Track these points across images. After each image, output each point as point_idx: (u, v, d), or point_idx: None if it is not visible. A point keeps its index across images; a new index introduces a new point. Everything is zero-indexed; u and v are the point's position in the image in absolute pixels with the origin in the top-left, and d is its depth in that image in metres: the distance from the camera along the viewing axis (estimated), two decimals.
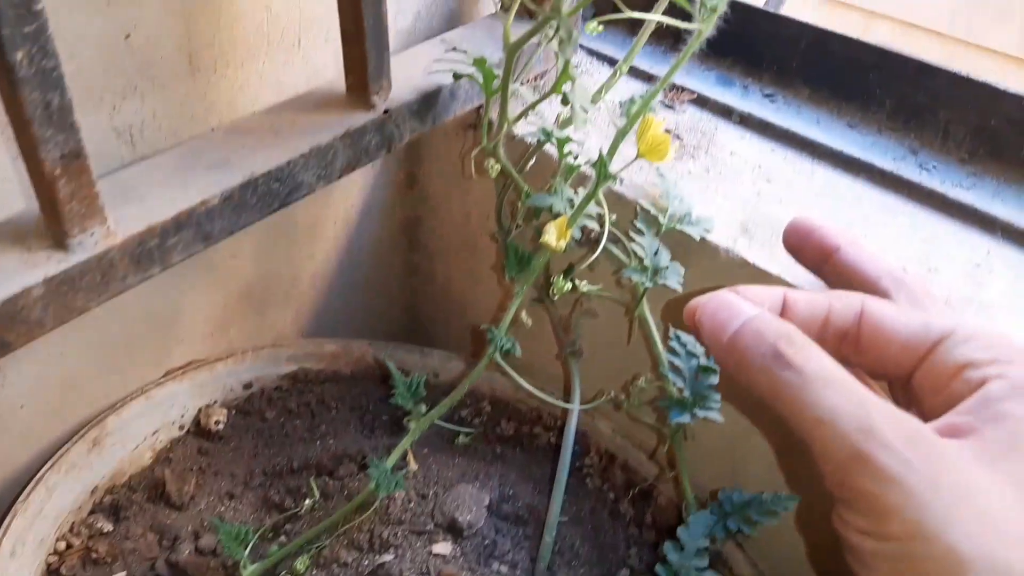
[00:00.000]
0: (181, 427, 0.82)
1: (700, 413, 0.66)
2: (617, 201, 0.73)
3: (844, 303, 0.39)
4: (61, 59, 0.44)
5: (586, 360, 0.78)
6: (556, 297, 0.70)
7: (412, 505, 0.75)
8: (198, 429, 0.82)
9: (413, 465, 0.76)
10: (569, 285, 0.68)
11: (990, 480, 0.32)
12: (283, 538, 0.73)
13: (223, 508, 0.76)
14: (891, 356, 0.38)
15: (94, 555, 0.70)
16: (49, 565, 0.70)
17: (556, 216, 0.63)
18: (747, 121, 0.83)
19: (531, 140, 0.72)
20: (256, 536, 0.68)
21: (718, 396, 0.66)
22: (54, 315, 0.49)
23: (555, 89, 0.61)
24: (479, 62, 0.63)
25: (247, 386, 0.86)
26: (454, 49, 0.66)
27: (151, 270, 0.54)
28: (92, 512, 0.74)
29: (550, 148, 0.70)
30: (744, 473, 0.81)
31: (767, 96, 0.85)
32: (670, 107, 0.84)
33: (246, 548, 0.67)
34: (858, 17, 2.59)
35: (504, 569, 0.72)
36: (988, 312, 0.64)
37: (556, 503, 0.74)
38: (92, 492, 0.75)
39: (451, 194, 0.94)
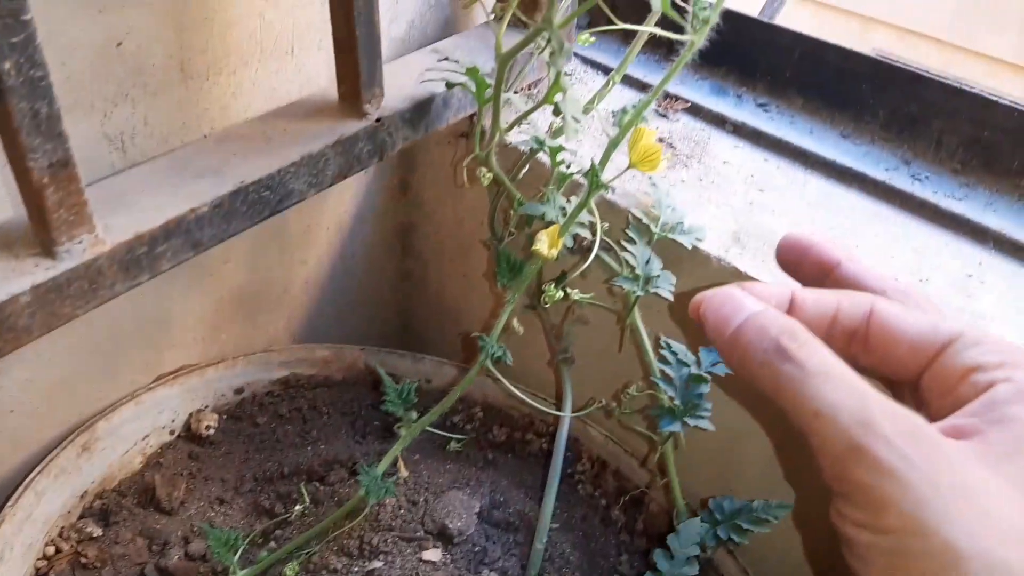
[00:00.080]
0: (172, 432, 0.82)
1: (691, 422, 0.66)
2: (609, 210, 0.73)
3: (853, 302, 0.39)
4: (53, 66, 0.44)
5: (578, 367, 0.78)
6: (548, 305, 0.70)
7: (402, 511, 0.75)
8: (189, 434, 0.82)
9: (404, 471, 0.76)
10: (561, 293, 0.68)
11: (992, 481, 0.32)
12: (273, 544, 0.73)
13: (213, 513, 0.76)
14: (899, 357, 0.38)
15: (83, 560, 0.70)
16: (38, 570, 0.70)
17: (549, 224, 0.63)
18: (740, 130, 0.83)
19: (524, 148, 0.72)
20: (246, 542, 0.68)
21: (708, 405, 0.67)
22: (41, 322, 0.49)
23: (547, 99, 0.61)
24: (472, 71, 0.63)
25: (238, 391, 0.86)
26: (446, 59, 0.66)
27: (140, 278, 0.54)
28: (82, 517, 0.74)
29: (543, 156, 0.70)
30: (736, 481, 0.81)
31: (760, 105, 0.85)
32: (664, 116, 0.84)
33: (236, 554, 0.67)
34: (856, 23, 2.60)
35: None
36: (980, 323, 0.64)
37: (547, 510, 0.74)
38: (82, 497, 0.75)
39: (444, 201, 0.94)
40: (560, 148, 0.65)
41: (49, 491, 0.71)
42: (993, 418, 0.34)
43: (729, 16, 0.83)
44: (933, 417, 0.36)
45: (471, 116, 0.76)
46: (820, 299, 0.39)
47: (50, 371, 0.72)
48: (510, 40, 0.59)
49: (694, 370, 0.67)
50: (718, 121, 0.84)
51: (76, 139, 0.47)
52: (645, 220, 0.70)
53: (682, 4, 0.58)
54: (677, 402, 0.67)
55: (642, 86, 0.88)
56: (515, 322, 0.67)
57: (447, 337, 1.06)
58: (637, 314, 0.69)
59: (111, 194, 0.55)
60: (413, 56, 0.76)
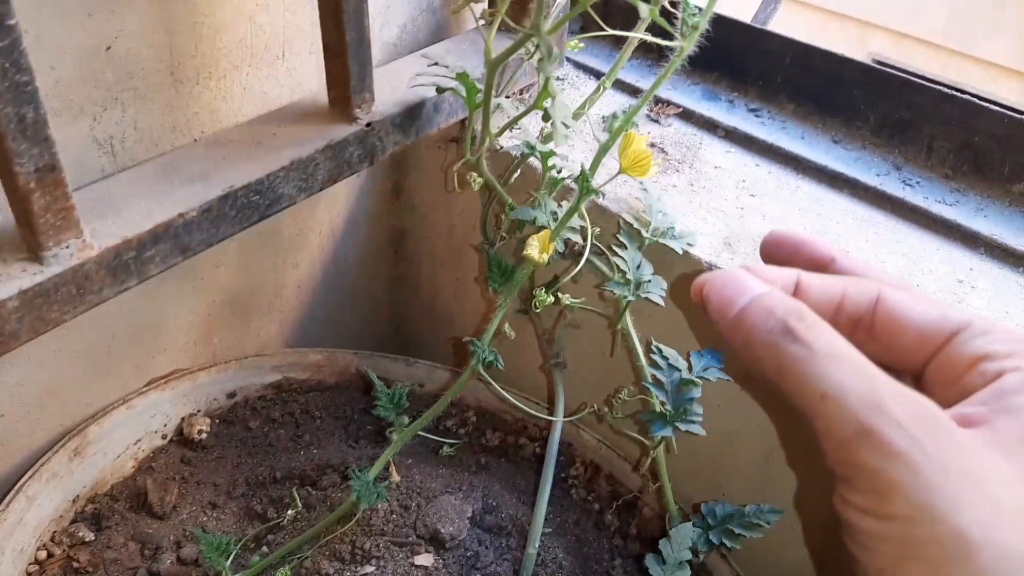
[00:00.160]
0: (164, 436, 0.82)
1: (682, 427, 0.66)
2: (601, 214, 0.73)
3: (859, 289, 0.38)
4: (41, 70, 0.44)
5: (570, 372, 0.78)
6: (539, 310, 0.70)
7: (395, 516, 0.75)
8: (181, 438, 0.82)
9: (396, 476, 0.76)
10: (552, 298, 0.68)
11: (1002, 469, 0.31)
12: (265, 549, 0.73)
13: (205, 518, 0.76)
14: (905, 345, 0.37)
15: (75, 564, 0.70)
16: (30, 575, 0.70)
17: (540, 229, 0.63)
18: (732, 135, 0.83)
19: (515, 153, 0.73)
20: (238, 546, 0.68)
21: (700, 409, 0.67)
22: (29, 327, 0.49)
23: (537, 105, 0.61)
24: (462, 76, 0.63)
25: (231, 395, 0.86)
26: (436, 64, 0.66)
27: (128, 282, 0.54)
28: (73, 521, 0.74)
29: (535, 161, 0.70)
30: (728, 485, 0.81)
31: (752, 111, 0.85)
32: (656, 121, 0.84)
33: (228, 558, 0.66)
34: (854, 29, 2.60)
35: None
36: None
37: (539, 514, 0.74)
38: (73, 501, 0.75)
39: (437, 205, 0.95)
40: (551, 153, 0.65)
41: (40, 496, 0.71)
42: (1002, 407, 0.33)
43: (721, 21, 0.84)
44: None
45: (462, 121, 0.76)
46: (826, 284, 0.39)
47: (41, 375, 0.72)
48: (500, 45, 0.60)
49: (685, 375, 0.67)
50: (710, 126, 0.84)
51: (65, 143, 0.47)
52: (636, 225, 0.70)
53: (672, 10, 0.58)
54: (668, 407, 0.67)
55: (634, 91, 0.88)
56: (507, 327, 0.67)
57: (440, 341, 1.06)
58: (628, 319, 0.69)
59: (99, 199, 0.55)
60: (404, 61, 0.76)
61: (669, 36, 0.58)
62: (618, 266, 0.67)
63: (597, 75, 0.90)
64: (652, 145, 0.81)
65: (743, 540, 0.69)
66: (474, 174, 0.68)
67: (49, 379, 0.73)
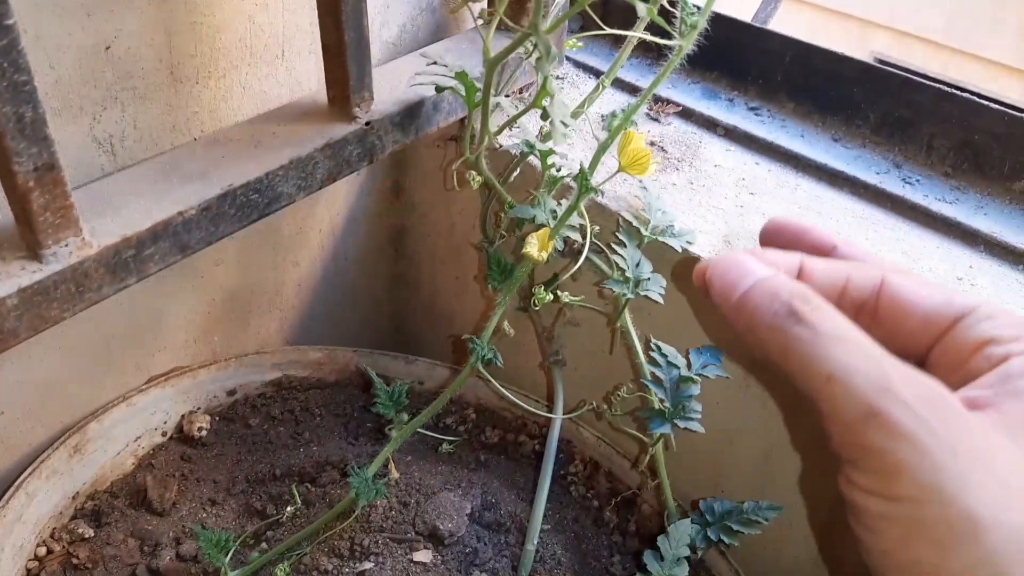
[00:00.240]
0: (164, 434, 0.82)
1: (680, 424, 0.66)
2: (600, 213, 0.73)
3: (863, 274, 0.38)
4: (41, 70, 0.44)
5: (569, 369, 0.78)
6: (538, 307, 0.70)
7: (393, 513, 0.75)
8: (181, 436, 0.83)
9: (395, 473, 0.76)
10: (551, 296, 0.68)
11: (1009, 451, 0.31)
12: (264, 545, 0.73)
13: (205, 515, 0.76)
14: (909, 330, 0.37)
15: (75, 561, 0.71)
16: (29, 571, 0.70)
17: (539, 227, 0.63)
18: (732, 134, 0.83)
19: (515, 152, 0.73)
20: (237, 543, 0.68)
21: (698, 407, 0.67)
22: (28, 325, 0.49)
23: (535, 103, 0.61)
24: (461, 75, 0.63)
25: (231, 393, 0.86)
26: (435, 63, 0.66)
27: (127, 280, 0.54)
28: (73, 518, 0.75)
29: (534, 160, 0.70)
30: (727, 482, 0.81)
31: (752, 109, 0.85)
32: (656, 119, 0.85)
33: (227, 555, 0.67)
34: (855, 27, 2.60)
35: None
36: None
37: (538, 511, 0.74)
38: (73, 498, 0.75)
39: (437, 204, 0.95)
40: (550, 152, 0.66)
41: (40, 492, 0.71)
42: (1009, 390, 0.33)
43: (720, 20, 0.84)
44: None
45: (462, 120, 0.76)
46: (830, 269, 0.38)
47: (41, 373, 0.72)
48: (499, 44, 0.60)
49: (684, 372, 0.67)
50: (709, 125, 0.84)
51: (65, 142, 0.47)
52: (635, 223, 0.70)
53: (671, 9, 0.58)
54: (667, 404, 0.67)
55: (633, 89, 0.88)
56: (506, 324, 0.67)
57: (440, 339, 1.06)
58: (627, 316, 0.69)
59: (98, 197, 0.55)
60: (403, 60, 0.76)
61: (668, 35, 0.58)
62: (617, 264, 0.67)
63: (597, 74, 0.90)
64: (651, 143, 0.81)
65: (741, 537, 0.69)
66: (473, 173, 0.68)
67: (49, 376, 0.73)
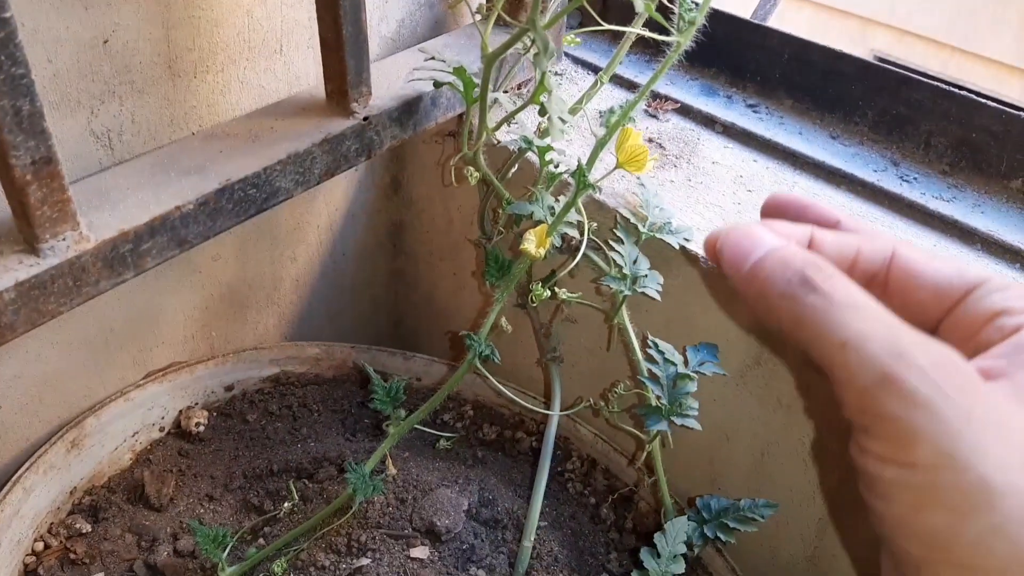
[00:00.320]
0: (161, 429, 0.82)
1: (677, 421, 0.67)
2: (598, 209, 0.73)
3: (874, 246, 0.38)
4: (38, 64, 0.44)
5: (566, 366, 0.78)
6: (536, 304, 0.70)
7: (391, 509, 0.75)
8: (178, 431, 0.83)
9: (392, 469, 0.76)
10: (548, 292, 0.68)
11: (1023, 419, 0.31)
12: (262, 541, 0.73)
13: (202, 510, 0.76)
14: (919, 301, 0.37)
15: (72, 556, 0.71)
16: (27, 565, 0.70)
17: (537, 223, 0.63)
18: (730, 131, 0.83)
19: (513, 148, 0.73)
20: (234, 539, 0.69)
21: (695, 404, 0.67)
22: (25, 319, 0.49)
23: (533, 99, 0.61)
24: (459, 71, 0.63)
25: (229, 389, 0.86)
26: (432, 58, 0.66)
27: (125, 275, 0.54)
28: (71, 513, 0.75)
29: (532, 155, 0.70)
30: (723, 480, 0.81)
31: (750, 106, 0.85)
32: (654, 116, 0.85)
33: (224, 550, 0.67)
34: (855, 25, 2.60)
35: (482, 573, 0.72)
36: None
37: (535, 508, 0.74)
38: (71, 493, 0.75)
39: (435, 199, 0.95)
40: (548, 148, 0.65)
41: (38, 487, 0.71)
42: (1022, 360, 0.33)
43: (719, 17, 0.84)
44: None
45: (460, 115, 0.76)
46: (840, 240, 0.38)
47: (39, 367, 0.72)
48: (498, 40, 0.60)
49: (681, 369, 0.67)
50: (708, 122, 0.84)
51: (62, 136, 0.47)
52: (633, 220, 0.70)
53: (669, 5, 0.58)
54: (664, 401, 0.67)
55: (632, 86, 0.88)
56: (504, 321, 0.67)
57: (437, 335, 1.06)
58: (625, 313, 0.69)
59: (96, 191, 0.55)
60: (402, 55, 0.76)
61: (666, 31, 0.58)
62: (615, 261, 0.68)
63: (595, 70, 0.90)
64: (650, 140, 0.81)
65: (738, 534, 0.69)
66: (471, 168, 0.68)
67: (47, 371, 0.73)
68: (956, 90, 0.75)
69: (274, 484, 0.78)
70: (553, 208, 0.66)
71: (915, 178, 0.77)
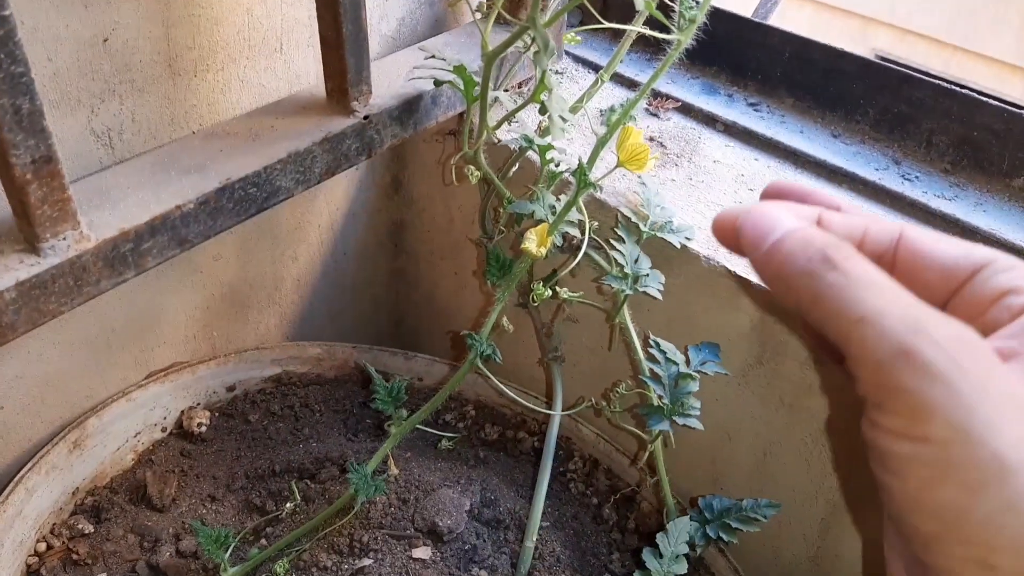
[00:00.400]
0: (163, 429, 0.82)
1: (679, 421, 0.66)
2: (599, 208, 0.73)
3: (881, 227, 0.38)
4: (38, 62, 0.44)
5: (568, 366, 0.78)
6: (537, 303, 0.70)
7: (393, 509, 0.75)
8: (180, 431, 0.83)
9: (394, 470, 0.76)
10: (549, 292, 0.68)
11: None
12: (264, 541, 0.73)
13: (204, 511, 0.76)
14: (927, 281, 0.37)
15: (74, 556, 0.71)
16: (29, 566, 0.70)
17: (538, 223, 0.63)
18: (731, 130, 0.83)
19: (514, 146, 0.73)
20: (237, 539, 0.68)
21: (697, 403, 0.67)
22: (26, 319, 0.49)
23: (533, 98, 0.61)
24: (459, 69, 0.63)
25: (230, 389, 0.86)
26: (433, 56, 0.66)
27: (126, 274, 0.54)
28: (73, 513, 0.75)
29: (533, 154, 0.70)
30: (726, 480, 0.81)
31: (751, 105, 0.85)
32: (655, 115, 0.84)
33: (226, 551, 0.67)
34: (856, 24, 2.59)
35: (484, 574, 0.72)
36: None
37: (537, 508, 0.74)
38: (73, 494, 0.75)
39: (436, 199, 0.95)
40: (549, 147, 0.65)
41: (40, 488, 0.71)
42: None
43: (720, 16, 0.84)
44: None
45: (460, 114, 0.76)
46: (848, 221, 0.38)
47: (40, 368, 0.72)
48: (498, 38, 0.60)
49: (683, 369, 0.67)
50: (709, 120, 0.84)
51: (63, 135, 0.47)
52: (634, 219, 0.70)
53: (670, 3, 0.58)
54: (666, 400, 0.67)
55: (632, 84, 0.88)
56: (505, 320, 0.67)
57: (439, 335, 1.06)
58: (626, 312, 0.69)
59: (96, 190, 0.55)
60: (402, 54, 0.76)
61: (667, 30, 0.58)
62: (616, 260, 0.67)
63: (595, 69, 0.90)
64: (651, 139, 0.81)
65: (740, 534, 0.69)
66: (472, 167, 0.68)
67: (48, 372, 0.73)
68: (957, 88, 0.75)
69: (276, 484, 0.78)
70: (554, 207, 0.66)
71: (916, 177, 0.77)
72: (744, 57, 0.86)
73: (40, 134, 0.45)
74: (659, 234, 0.69)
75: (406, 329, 1.10)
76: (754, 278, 0.68)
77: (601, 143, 0.63)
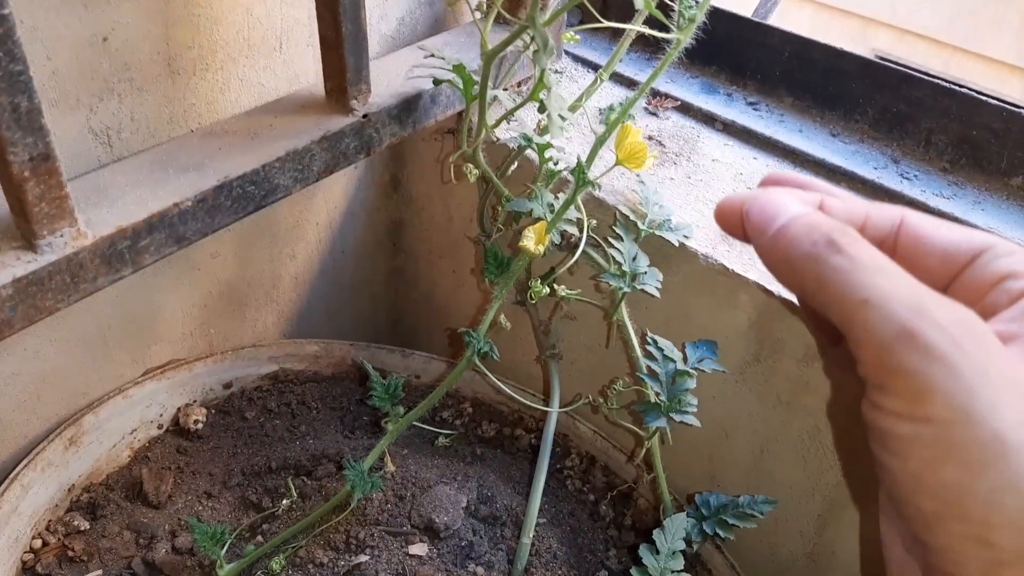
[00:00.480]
0: (160, 426, 0.82)
1: (676, 417, 0.67)
2: (598, 207, 0.73)
3: (882, 213, 0.39)
4: (37, 61, 0.44)
5: (566, 363, 0.78)
6: (535, 301, 0.70)
7: (389, 506, 0.75)
8: (177, 428, 0.83)
9: (390, 466, 0.76)
10: (547, 289, 0.68)
11: None
12: (260, 538, 0.73)
13: (201, 507, 0.76)
14: (927, 266, 0.37)
15: (70, 553, 0.71)
16: (24, 563, 0.70)
17: (536, 221, 0.63)
18: (730, 128, 0.83)
19: (513, 145, 0.73)
20: (233, 536, 0.69)
21: (694, 400, 0.67)
22: (23, 315, 0.49)
23: (532, 97, 0.61)
24: (458, 68, 0.63)
25: (227, 386, 0.86)
26: (432, 56, 0.66)
27: (123, 271, 0.54)
28: (69, 510, 0.75)
29: (532, 153, 0.70)
30: (723, 476, 0.81)
31: (750, 104, 0.85)
32: (654, 114, 0.84)
33: (222, 548, 0.67)
34: (856, 24, 2.59)
35: (480, 570, 0.72)
36: None
37: (534, 505, 0.74)
38: (69, 490, 0.75)
39: (434, 197, 0.95)
40: (548, 145, 0.65)
41: (36, 484, 0.71)
42: None
43: (719, 15, 0.84)
44: None
45: (459, 113, 0.76)
46: (850, 207, 0.39)
47: (37, 364, 0.72)
48: (497, 38, 0.60)
49: (680, 366, 0.67)
50: (708, 119, 0.84)
51: (61, 134, 0.47)
52: (632, 217, 0.70)
53: (670, 2, 0.58)
54: (663, 398, 0.67)
55: (631, 83, 0.88)
56: (503, 318, 0.67)
57: (437, 333, 1.06)
58: (624, 310, 0.69)
59: (94, 188, 0.55)
60: (401, 53, 0.76)
61: (666, 29, 0.58)
62: (614, 258, 0.68)
63: (595, 68, 0.90)
64: (650, 138, 0.81)
65: (737, 531, 0.69)
66: (471, 166, 0.68)
67: (45, 368, 0.73)
68: (956, 88, 0.75)
69: (272, 481, 0.78)
70: (552, 205, 0.66)
71: (915, 175, 0.77)
72: (743, 56, 0.86)
73: (38, 132, 0.45)
74: (657, 232, 0.69)
75: (404, 328, 1.10)
76: (752, 276, 0.68)
77: (600, 141, 0.63)
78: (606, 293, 0.75)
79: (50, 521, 0.73)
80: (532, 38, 0.55)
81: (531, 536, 0.73)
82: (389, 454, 0.75)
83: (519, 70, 0.77)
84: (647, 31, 0.59)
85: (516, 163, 0.73)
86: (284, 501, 0.75)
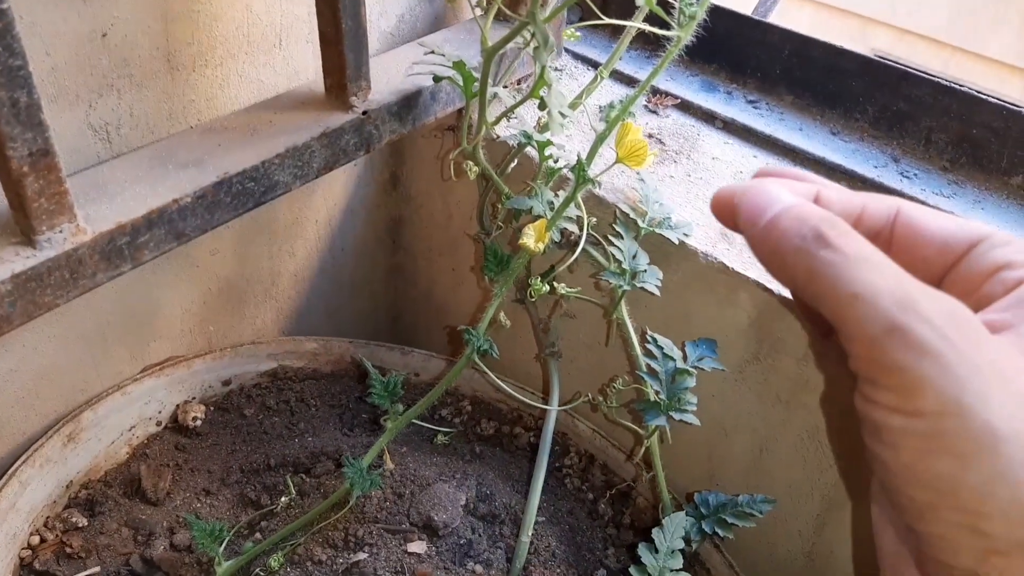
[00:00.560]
0: (158, 423, 0.82)
1: (676, 416, 0.67)
2: (597, 204, 0.73)
3: (879, 204, 0.39)
4: (36, 57, 0.44)
5: (565, 361, 0.78)
6: (535, 299, 0.70)
7: (388, 504, 0.75)
8: (175, 425, 0.82)
9: (389, 464, 0.76)
10: (547, 287, 0.68)
11: None
12: (258, 535, 0.73)
13: (199, 505, 0.76)
14: (923, 257, 0.38)
15: (68, 550, 0.70)
16: (22, 559, 0.70)
17: (536, 218, 0.63)
18: (730, 127, 0.83)
19: (512, 143, 0.73)
20: (231, 533, 0.68)
21: (694, 399, 0.67)
22: (21, 311, 0.49)
23: (532, 94, 0.61)
24: (458, 65, 0.63)
25: (226, 383, 0.86)
26: (432, 52, 0.66)
27: (122, 267, 0.54)
28: (67, 507, 0.74)
29: (531, 150, 0.70)
30: (721, 475, 0.81)
31: (750, 102, 0.85)
32: (654, 112, 0.84)
33: (221, 544, 0.67)
34: (856, 23, 2.59)
35: (479, 568, 0.72)
36: None
37: (533, 503, 0.74)
38: (67, 487, 0.75)
39: (434, 195, 0.94)
40: (548, 143, 0.65)
41: (34, 481, 0.71)
42: None
43: (720, 13, 0.84)
44: None
45: (459, 110, 0.76)
46: (846, 198, 0.39)
47: (36, 361, 0.72)
48: (498, 35, 0.59)
49: (680, 364, 0.67)
50: (708, 117, 0.84)
51: (60, 129, 0.47)
52: (632, 215, 0.70)
53: (670, 0, 0.58)
54: (662, 396, 0.67)
55: (631, 81, 0.88)
56: (502, 316, 0.67)
57: (436, 330, 1.06)
58: (624, 308, 0.69)
59: (93, 184, 0.55)
60: (401, 50, 0.76)
61: (667, 26, 0.58)
62: (614, 256, 0.67)
63: (595, 65, 0.90)
64: (650, 136, 0.81)
65: (736, 530, 0.69)
66: (471, 163, 0.68)
67: (43, 365, 0.73)
68: (956, 86, 0.75)
69: (271, 479, 0.78)
70: (552, 203, 0.66)
71: (915, 174, 0.77)
72: (743, 54, 0.86)
73: (37, 127, 0.45)
74: (657, 230, 0.69)
75: (404, 325, 1.10)
76: (752, 275, 0.68)
77: (600, 139, 0.63)
78: (606, 291, 0.75)
79: (48, 518, 0.73)
80: (532, 35, 0.55)
81: (530, 534, 0.73)
82: (388, 452, 0.75)
83: (519, 67, 0.77)
84: (647, 28, 0.59)
85: (516, 160, 0.73)
86: (283, 498, 0.75)
